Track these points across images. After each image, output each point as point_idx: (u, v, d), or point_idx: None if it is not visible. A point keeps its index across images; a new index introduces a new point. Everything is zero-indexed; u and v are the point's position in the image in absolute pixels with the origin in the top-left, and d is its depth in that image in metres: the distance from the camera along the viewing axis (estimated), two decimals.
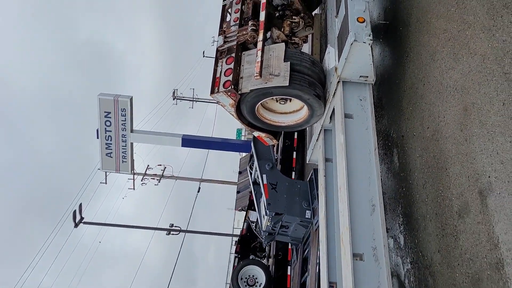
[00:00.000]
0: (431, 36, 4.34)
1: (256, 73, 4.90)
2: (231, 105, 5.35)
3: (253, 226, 11.72)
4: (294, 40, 6.46)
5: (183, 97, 33.41)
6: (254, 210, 12.38)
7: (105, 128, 10.33)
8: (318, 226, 6.37)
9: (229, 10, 6.28)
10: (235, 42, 5.55)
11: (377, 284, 4.10)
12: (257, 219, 11.17)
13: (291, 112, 5.84)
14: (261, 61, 4.99)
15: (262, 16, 5.33)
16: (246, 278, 10.73)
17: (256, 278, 10.66)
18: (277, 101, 5.55)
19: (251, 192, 11.89)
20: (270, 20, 5.99)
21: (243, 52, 5.53)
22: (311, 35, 7.10)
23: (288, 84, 4.89)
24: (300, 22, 6.49)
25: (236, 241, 13.72)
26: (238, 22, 5.88)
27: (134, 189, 25.42)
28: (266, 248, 11.80)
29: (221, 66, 5.38)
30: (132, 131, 10.09)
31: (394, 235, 5.08)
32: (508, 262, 2.97)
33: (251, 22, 5.57)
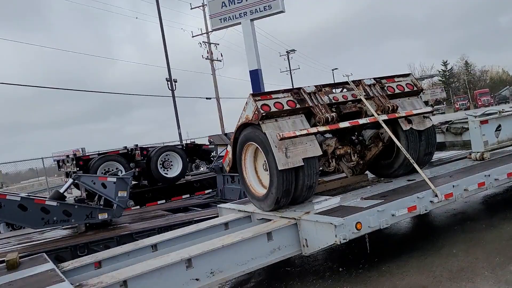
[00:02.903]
0: None
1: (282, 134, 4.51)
2: (246, 117, 4.88)
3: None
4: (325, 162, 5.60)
5: None
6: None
7: None
8: None
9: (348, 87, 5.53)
10: (311, 105, 4.98)
11: None
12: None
13: (263, 186, 5.20)
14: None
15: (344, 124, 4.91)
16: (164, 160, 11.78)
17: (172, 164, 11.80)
18: (264, 167, 5.10)
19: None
20: (348, 131, 5.54)
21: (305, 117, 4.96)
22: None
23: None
24: (354, 161, 5.71)
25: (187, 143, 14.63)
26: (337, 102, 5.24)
27: None
28: None
29: (283, 96, 4.90)
30: None
31: None
32: None
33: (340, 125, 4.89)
